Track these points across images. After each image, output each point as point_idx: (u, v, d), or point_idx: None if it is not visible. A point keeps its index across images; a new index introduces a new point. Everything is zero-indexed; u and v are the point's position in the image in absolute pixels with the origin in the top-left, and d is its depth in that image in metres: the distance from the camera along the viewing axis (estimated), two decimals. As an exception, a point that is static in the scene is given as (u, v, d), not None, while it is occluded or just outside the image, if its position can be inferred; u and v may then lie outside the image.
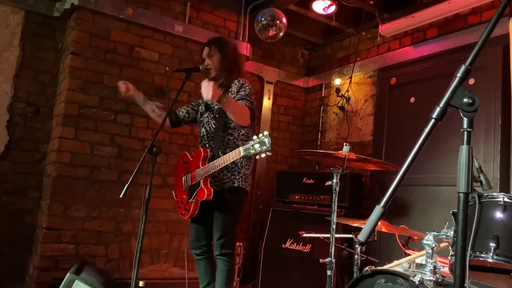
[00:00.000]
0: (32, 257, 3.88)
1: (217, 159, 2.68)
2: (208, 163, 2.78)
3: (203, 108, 3.11)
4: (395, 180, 1.08)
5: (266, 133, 2.42)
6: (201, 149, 2.88)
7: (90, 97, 3.91)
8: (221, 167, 2.67)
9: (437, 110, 1.10)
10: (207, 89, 2.55)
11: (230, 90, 2.92)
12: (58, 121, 3.86)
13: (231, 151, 2.65)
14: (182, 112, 3.21)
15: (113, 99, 4.01)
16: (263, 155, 2.41)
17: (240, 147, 2.50)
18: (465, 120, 1.10)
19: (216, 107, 2.97)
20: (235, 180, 2.86)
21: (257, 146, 2.40)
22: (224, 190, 2.86)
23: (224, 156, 2.63)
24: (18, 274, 3.86)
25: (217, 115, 2.93)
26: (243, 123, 2.81)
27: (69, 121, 3.81)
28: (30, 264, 3.88)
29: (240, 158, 2.57)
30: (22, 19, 4.05)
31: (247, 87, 2.92)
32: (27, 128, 4.05)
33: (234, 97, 2.85)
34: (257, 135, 2.45)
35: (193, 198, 2.82)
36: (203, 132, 3.03)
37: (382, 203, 1.07)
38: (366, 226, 1.08)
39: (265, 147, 2.39)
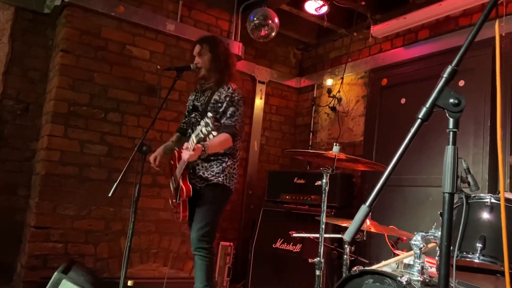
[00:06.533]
0: (20, 256, 3.84)
1: (183, 153, 2.68)
2: None
3: (190, 107, 3.10)
4: (381, 179, 1.08)
5: (209, 114, 2.40)
6: (175, 151, 2.89)
7: (80, 95, 3.88)
8: (188, 161, 2.68)
9: (423, 110, 1.10)
10: (185, 155, 2.61)
11: (219, 95, 2.92)
12: (48, 119, 3.82)
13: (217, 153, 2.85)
14: (185, 124, 3.23)
15: (103, 97, 3.98)
16: (211, 136, 2.41)
17: (193, 135, 2.50)
18: (451, 120, 1.11)
19: (202, 108, 2.96)
20: (219, 178, 2.88)
21: (203, 129, 2.39)
22: (207, 185, 2.88)
23: (186, 148, 2.62)
24: (6, 273, 3.82)
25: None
26: (227, 148, 2.88)
27: (59, 119, 3.78)
28: (18, 263, 3.85)
29: (204, 153, 2.60)
30: (12, 15, 4.02)
31: (235, 98, 2.91)
32: (16, 125, 4.01)
33: (220, 109, 2.86)
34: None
35: (179, 200, 2.86)
36: (189, 132, 3.01)
37: (367, 203, 1.07)
38: (351, 225, 1.08)
39: (209, 128, 2.36)
